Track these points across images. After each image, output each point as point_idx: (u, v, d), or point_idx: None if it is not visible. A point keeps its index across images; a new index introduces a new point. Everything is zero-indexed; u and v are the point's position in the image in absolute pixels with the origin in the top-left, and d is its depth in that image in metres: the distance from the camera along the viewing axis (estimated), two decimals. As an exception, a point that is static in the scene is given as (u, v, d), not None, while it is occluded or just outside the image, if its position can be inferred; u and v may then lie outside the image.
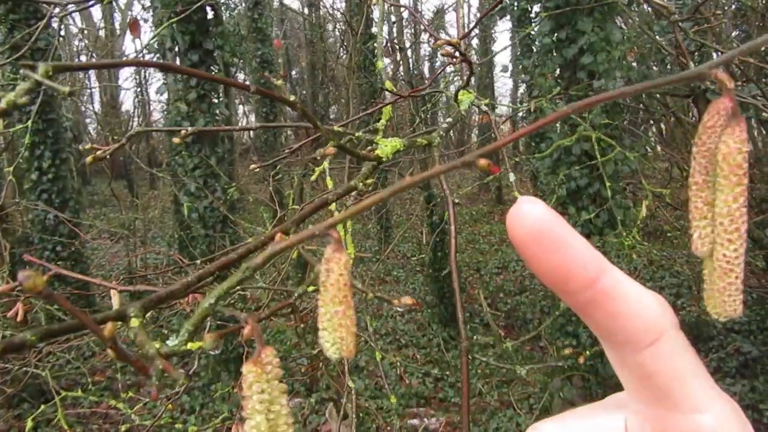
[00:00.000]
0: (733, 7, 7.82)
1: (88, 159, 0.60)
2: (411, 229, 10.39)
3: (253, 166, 0.87)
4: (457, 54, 0.73)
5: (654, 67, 7.17)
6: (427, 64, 17.35)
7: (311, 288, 0.55)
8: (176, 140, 0.65)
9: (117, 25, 16.99)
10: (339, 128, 0.70)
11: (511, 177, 1.10)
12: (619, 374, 0.33)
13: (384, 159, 0.70)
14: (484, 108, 1.02)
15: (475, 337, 7.27)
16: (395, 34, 13.90)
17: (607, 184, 3.80)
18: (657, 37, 6.63)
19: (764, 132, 6.55)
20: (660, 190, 3.82)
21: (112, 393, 6.04)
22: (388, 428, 5.13)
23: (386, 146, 0.71)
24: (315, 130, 0.78)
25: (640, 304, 0.30)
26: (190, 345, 0.34)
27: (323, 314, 0.35)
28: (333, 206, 1.37)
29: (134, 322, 0.36)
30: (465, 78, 0.88)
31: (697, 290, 7.69)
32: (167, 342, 0.34)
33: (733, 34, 7.80)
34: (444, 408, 6.05)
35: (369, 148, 0.72)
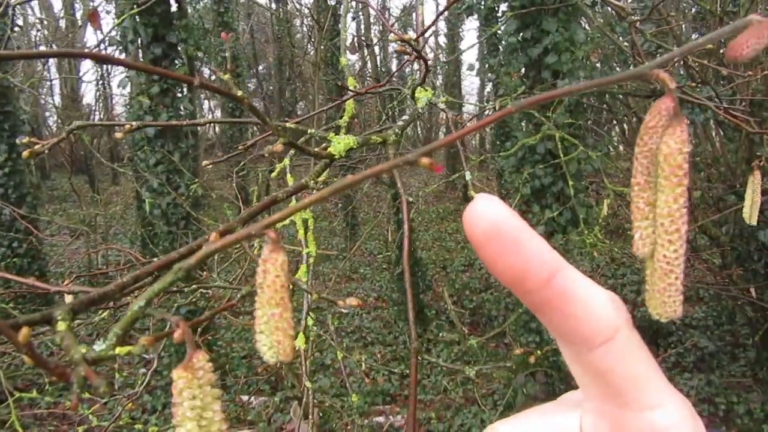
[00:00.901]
0: (693, 10, 8.00)
1: (25, 153, 0.57)
2: (377, 227, 10.39)
3: (205, 162, 0.85)
4: (411, 53, 0.72)
5: (617, 68, 7.28)
6: (395, 61, 17.36)
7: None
8: (119, 135, 0.62)
9: (78, 16, 16.58)
10: (292, 125, 0.69)
11: (468, 176, 1.10)
12: (573, 372, 0.33)
13: (336, 156, 0.69)
14: (441, 106, 1.02)
15: (441, 334, 7.31)
16: (363, 31, 13.87)
17: (570, 182, 3.85)
18: (619, 38, 6.76)
19: (722, 133, 6.73)
20: (622, 189, 3.88)
21: (70, 393, 5.90)
22: (349, 428, 5.12)
23: (339, 144, 0.70)
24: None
25: (594, 304, 0.30)
26: (118, 350, 0.32)
27: (260, 317, 0.34)
28: (293, 203, 1.35)
29: (61, 326, 0.34)
30: (421, 75, 0.88)
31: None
32: (94, 346, 0.32)
33: (693, 36, 7.98)
34: (409, 405, 6.06)
35: (323, 145, 0.71)
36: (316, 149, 0.81)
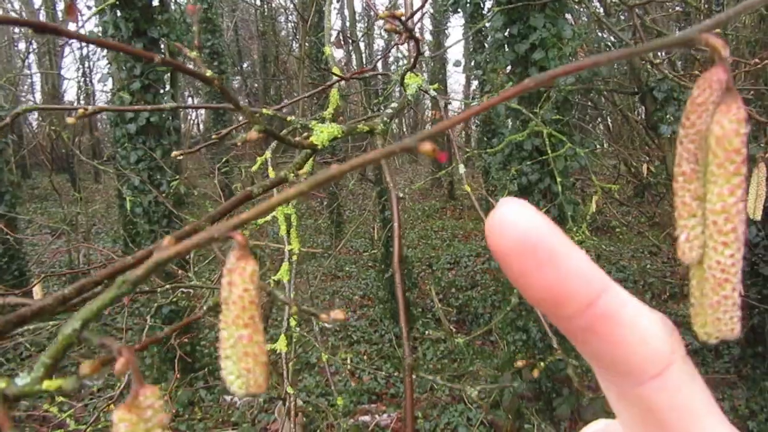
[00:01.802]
0: (678, 9, 8.03)
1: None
2: (363, 225, 10.33)
3: (174, 153, 0.79)
4: (402, 31, 0.66)
5: (602, 66, 7.28)
6: (380, 60, 17.28)
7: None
8: (70, 120, 0.56)
9: (58, 9, 16.31)
10: (269, 111, 0.63)
11: (461, 169, 1.04)
12: (614, 406, 0.28)
13: (319, 146, 0.63)
14: (433, 93, 0.96)
15: (427, 332, 7.26)
16: (348, 26, 13.78)
17: (559, 179, 3.82)
18: (604, 35, 6.74)
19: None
20: (609, 186, 3.86)
21: (50, 394, 5.79)
22: (334, 429, 5.06)
23: (322, 132, 0.63)
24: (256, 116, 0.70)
25: (645, 331, 0.25)
26: (46, 384, 0.26)
27: (226, 339, 0.28)
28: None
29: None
30: (412, 59, 0.82)
31: (643, 284, 7.88)
32: (16, 380, 0.26)
33: (676, 33, 8.00)
34: (396, 404, 6.02)
35: (304, 134, 0.65)
36: (297, 138, 0.75)
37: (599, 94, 6.66)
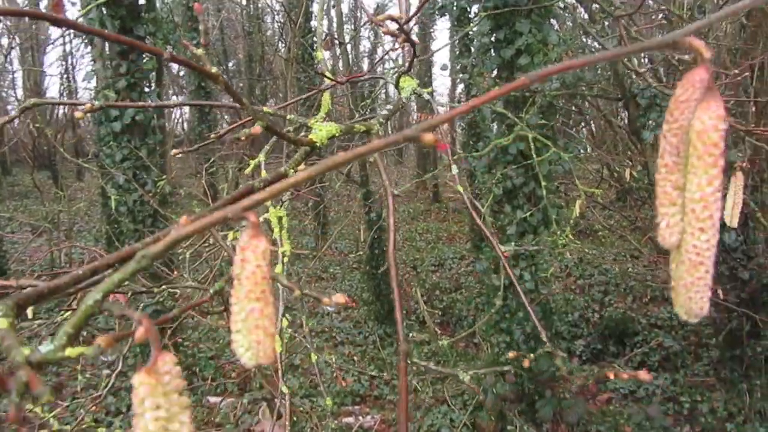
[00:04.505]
0: (661, 16, 8.13)
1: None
2: (348, 226, 10.34)
3: (174, 151, 0.80)
4: (399, 33, 0.68)
5: (587, 71, 7.36)
6: (366, 61, 17.31)
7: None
8: (78, 114, 0.57)
9: (42, 6, 16.14)
10: (269, 109, 0.64)
11: (454, 170, 1.07)
12: None
13: (318, 144, 0.64)
14: (427, 96, 0.98)
15: (411, 334, 7.29)
16: (335, 28, 13.80)
17: (543, 183, 3.86)
18: (588, 42, 6.81)
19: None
20: (593, 190, 3.91)
21: (31, 394, 5.72)
22: (320, 429, 5.06)
23: (321, 131, 0.65)
24: (246, 116, 0.72)
25: None
26: (68, 351, 0.27)
27: (237, 313, 0.29)
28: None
29: (2, 323, 0.30)
30: (408, 61, 0.83)
31: (624, 287, 7.97)
32: (39, 347, 0.27)
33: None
34: (379, 405, 6.03)
35: (302, 133, 0.67)
36: (295, 136, 0.77)
37: (584, 99, 6.73)
